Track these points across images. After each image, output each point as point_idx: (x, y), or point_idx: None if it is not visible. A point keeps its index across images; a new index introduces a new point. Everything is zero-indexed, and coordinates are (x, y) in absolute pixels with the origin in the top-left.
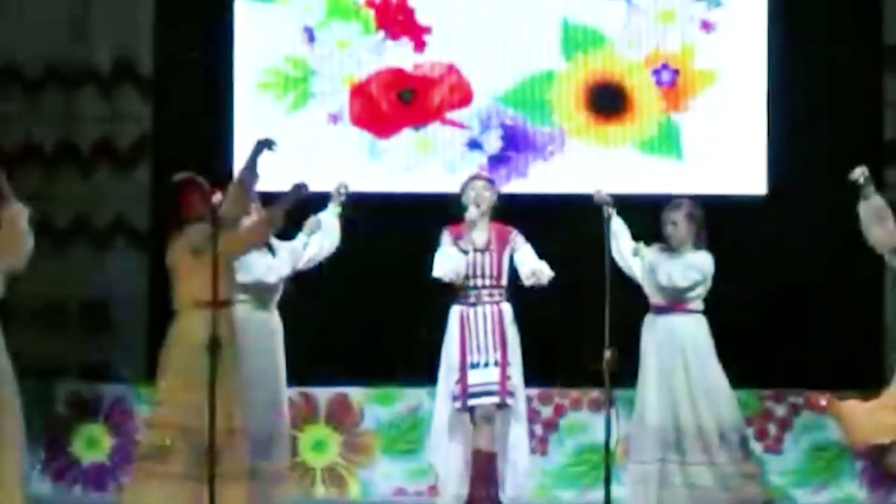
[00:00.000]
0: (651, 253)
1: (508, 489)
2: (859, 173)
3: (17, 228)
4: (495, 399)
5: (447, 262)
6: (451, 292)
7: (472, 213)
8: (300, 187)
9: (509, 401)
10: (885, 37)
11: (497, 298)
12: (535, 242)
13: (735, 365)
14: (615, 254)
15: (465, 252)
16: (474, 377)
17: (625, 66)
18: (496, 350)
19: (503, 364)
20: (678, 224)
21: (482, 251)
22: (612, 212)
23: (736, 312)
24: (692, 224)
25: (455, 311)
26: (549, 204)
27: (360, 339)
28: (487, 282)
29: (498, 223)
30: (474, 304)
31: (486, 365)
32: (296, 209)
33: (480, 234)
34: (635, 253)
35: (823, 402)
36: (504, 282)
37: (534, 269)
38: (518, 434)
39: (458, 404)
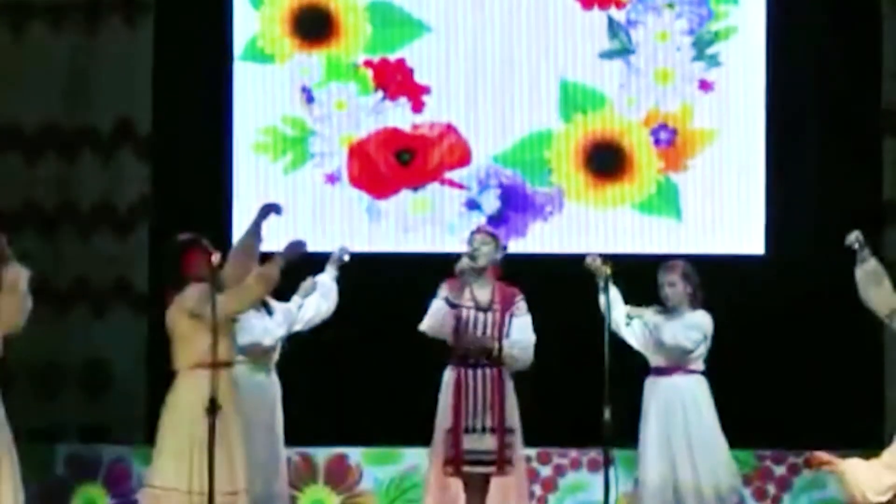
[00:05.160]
0: (650, 315)
1: None
2: (853, 238)
3: (17, 291)
4: (492, 469)
5: (433, 317)
6: (449, 352)
7: (462, 262)
8: (296, 245)
9: (508, 469)
10: (884, 97)
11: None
12: (535, 302)
13: (734, 424)
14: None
15: (454, 306)
16: (469, 443)
17: (623, 126)
18: (493, 414)
19: (500, 430)
20: (675, 284)
21: (484, 310)
22: (608, 272)
23: (735, 372)
24: (688, 284)
25: (450, 372)
26: (548, 264)
27: (358, 400)
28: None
29: (504, 283)
30: (473, 366)
31: (483, 430)
32: (293, 269)
33: (483, 291)
34: (628, 322)
35: (827, 458)
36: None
37: (513, 344)
38: (518, 496)
39: (449, 470)
